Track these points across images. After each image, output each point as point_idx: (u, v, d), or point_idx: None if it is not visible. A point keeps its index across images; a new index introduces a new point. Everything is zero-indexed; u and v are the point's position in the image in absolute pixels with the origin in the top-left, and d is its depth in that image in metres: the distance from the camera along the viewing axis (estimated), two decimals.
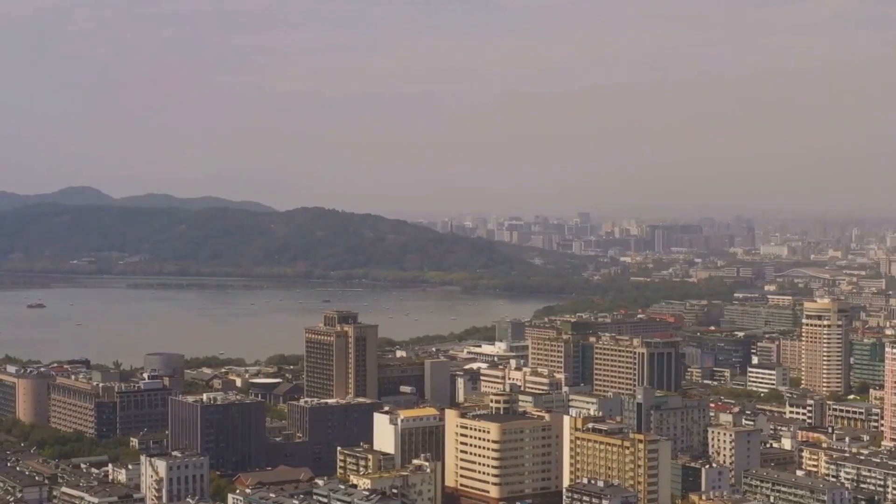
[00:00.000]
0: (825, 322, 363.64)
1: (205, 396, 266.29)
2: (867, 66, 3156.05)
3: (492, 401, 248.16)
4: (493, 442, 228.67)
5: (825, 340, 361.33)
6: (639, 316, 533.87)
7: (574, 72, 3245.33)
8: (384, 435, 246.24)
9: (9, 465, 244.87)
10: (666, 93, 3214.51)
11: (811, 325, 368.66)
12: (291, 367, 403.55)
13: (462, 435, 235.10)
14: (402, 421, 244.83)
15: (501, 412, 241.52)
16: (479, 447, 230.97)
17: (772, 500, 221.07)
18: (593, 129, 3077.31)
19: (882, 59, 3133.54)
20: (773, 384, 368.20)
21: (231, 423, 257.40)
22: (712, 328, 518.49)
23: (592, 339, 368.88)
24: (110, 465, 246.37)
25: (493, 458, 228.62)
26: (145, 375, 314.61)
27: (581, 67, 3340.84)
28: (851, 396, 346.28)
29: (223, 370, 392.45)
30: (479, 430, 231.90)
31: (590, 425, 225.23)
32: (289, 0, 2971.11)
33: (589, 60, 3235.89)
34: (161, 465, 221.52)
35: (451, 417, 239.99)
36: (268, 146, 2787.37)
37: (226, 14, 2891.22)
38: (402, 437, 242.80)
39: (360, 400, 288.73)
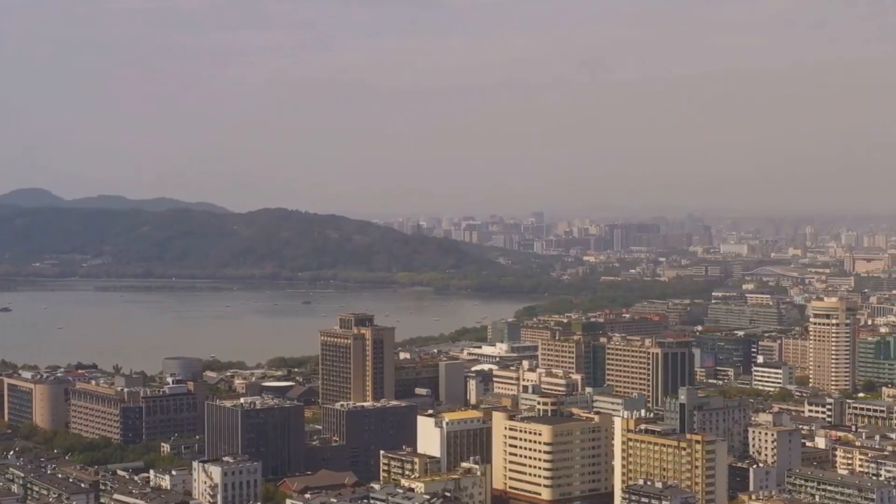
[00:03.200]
0: (833, 321, 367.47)
1: (242, 400, 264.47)
2: (811, 67, 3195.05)
3: (539, 403, 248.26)
4: (545, 444, 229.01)
5: (834, 339, 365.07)
6: (624, 315, 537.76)
7: (519, 71, 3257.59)
8: (429, 438, 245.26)
9: (49, 472, 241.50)
10: (611, 92, 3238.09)
11: (819, 323, 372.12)
12: (295, 369, 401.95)
13: (511, 437, 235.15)
14: (447, 424, 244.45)
15: (549, 414, 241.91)
16: (530, 449, 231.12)
17: (817, 500, 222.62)
18: (539, 128, 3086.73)
19: (826, 59, 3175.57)
20: (779, 383, 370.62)
21: (271, 427, 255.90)
22: (699, 328, 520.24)
23: (603, 340, 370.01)
24: (151, 472, 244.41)
25: (545, 461, 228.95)
26: (170, 380, 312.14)
27: (527, 67, 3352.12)
28: (861, 394, 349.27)
29: (229, 373, 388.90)
30: (530, 433, 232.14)
31: (642, 426, 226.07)
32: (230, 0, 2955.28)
33: (535, 60, 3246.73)
34: (216, 470, 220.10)
35: (499, 420, 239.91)
36: (216, 146, 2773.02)
37: (167, 13, 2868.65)
38: (447, 440, 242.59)
39: (395, 403, 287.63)
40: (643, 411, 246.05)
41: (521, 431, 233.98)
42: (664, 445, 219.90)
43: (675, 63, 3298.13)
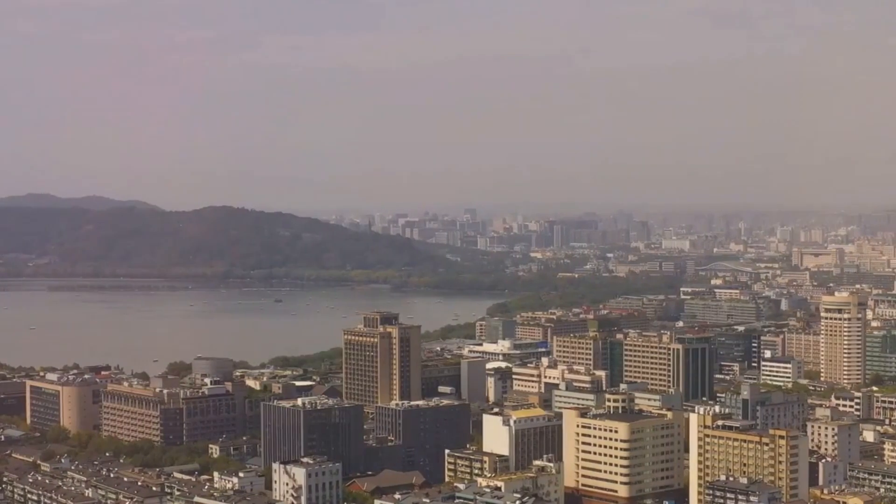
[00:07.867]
0: (845, 315, 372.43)
1: (299, 401, 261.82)
2: (729, 63, 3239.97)
3: (608, 400, 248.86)
4: (623, 441, 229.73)
5: (846, 333, 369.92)
6: (603, 311, 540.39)
7: (438, 69, 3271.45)
8: (496, 436, 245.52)
9: (112, 475, 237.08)
10: (531, 89, 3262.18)
11: (831, 318, 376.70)
12: (307, 368, 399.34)
13: (584, 435, 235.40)
14: (515, 422, 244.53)
15: (620, 411, 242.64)
16: (606, 447, 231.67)
17: (881, 493, 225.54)
18: (459, 126, 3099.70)
19: (743, 55, 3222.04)
20: (788, 377, 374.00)
21: (333, 427, 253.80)
22: (680, 323, 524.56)
23: (620, 337, 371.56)
24: (216, 474, 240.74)
25: (623, 458, 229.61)
26: (207, 381, 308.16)
27: (446, 65, 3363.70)
28: (875, 388, 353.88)
29: (238, 373, 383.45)
30: (606, 430, 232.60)
31: (719, 422, 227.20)
32: None
33: (454, 58, 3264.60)
34: (300, 472, 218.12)
35: (571, 417, 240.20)
36: (143, 143, 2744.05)
37: (84, 10, 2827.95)
38: (516, 438, 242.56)
39: (448, 402, 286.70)
40: (717, 407, 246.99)
41: (595, 429, 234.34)
42: (745, 441, 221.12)
43: (595, 59, 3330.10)
